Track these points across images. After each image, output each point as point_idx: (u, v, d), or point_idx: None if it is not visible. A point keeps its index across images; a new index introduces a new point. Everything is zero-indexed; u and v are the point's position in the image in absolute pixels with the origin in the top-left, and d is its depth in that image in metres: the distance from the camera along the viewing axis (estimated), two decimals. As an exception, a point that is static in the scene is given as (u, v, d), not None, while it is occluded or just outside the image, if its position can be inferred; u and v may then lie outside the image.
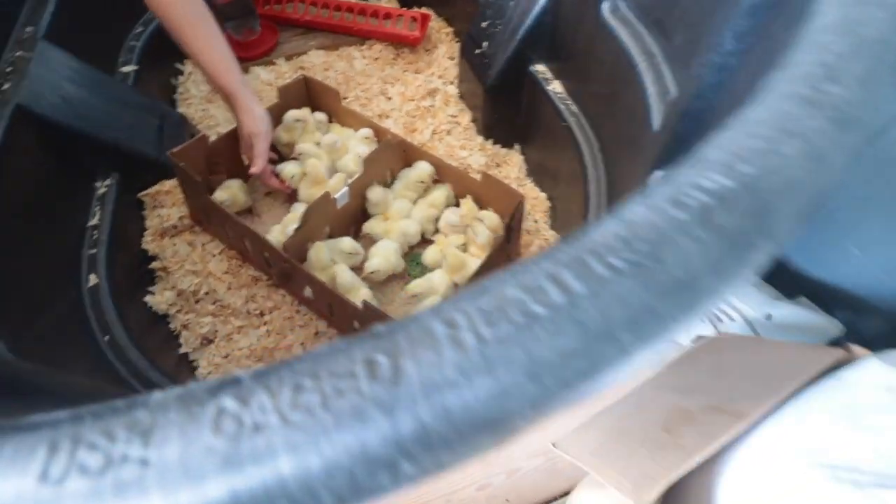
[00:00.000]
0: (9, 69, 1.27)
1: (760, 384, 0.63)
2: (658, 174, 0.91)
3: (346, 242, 1.36)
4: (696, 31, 0.88)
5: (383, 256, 1.35)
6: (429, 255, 1.43)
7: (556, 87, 1.54)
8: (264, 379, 0.23)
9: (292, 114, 1.57)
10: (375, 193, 1.44)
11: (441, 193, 1.50)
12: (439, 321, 0.24)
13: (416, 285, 1.26)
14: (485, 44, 1.71)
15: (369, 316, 1.13)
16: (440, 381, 0.22)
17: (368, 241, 1.44)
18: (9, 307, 0.97)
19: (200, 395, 0.23)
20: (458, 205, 1.52)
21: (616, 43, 1.22)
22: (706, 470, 0.61)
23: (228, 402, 0.22)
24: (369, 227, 1.43)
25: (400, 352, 0.23)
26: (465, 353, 0.22)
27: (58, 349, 1.00)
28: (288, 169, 1.52)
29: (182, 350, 1.35)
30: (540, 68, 1.60)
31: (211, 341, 1.39)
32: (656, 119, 1.01)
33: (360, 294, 1.26)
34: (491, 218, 1.39)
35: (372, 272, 1.33)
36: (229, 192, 1.48)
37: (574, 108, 1.47)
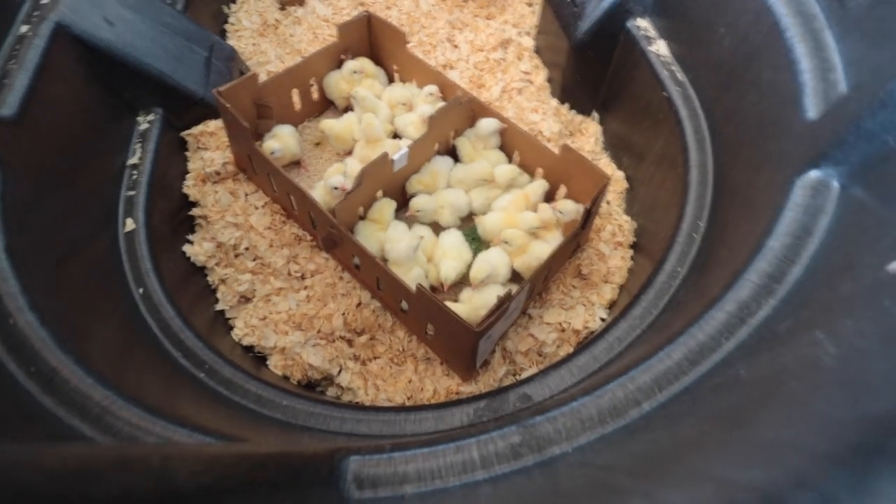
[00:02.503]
0: (48, -19, 1.14)
1: None
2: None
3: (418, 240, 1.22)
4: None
5: (457, 258, 1.20)
6: (489, 221, 1.28)
7: (659, 48, 1.30)
8: None
9: (350, 65, 1.40)
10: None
11: (508, 172, 1.31)
12: None
13: (480, 270, 1.11)
14: (577, -11, 1.46)
15: (422, 302, 1.00)
16: None
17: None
18: (38, 248, 0.89)
19: None
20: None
21: (757, -2, 0.98)
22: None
23: None
24: (417, 203, 1.27)
25: None
26: None
27: (89, 301, 0.92)
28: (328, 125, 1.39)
29: (218, 307, 1.27)
30: (642, 24, 1.35)
31: (249, 300, 1.30)
32: (812, 104, 0.79)
33: (411, 273, 1.13)
34: (571, 210, 1.22)
35: (446, 281, 1.19)
36: (281, 142, 1.35)
37: (680, 75, 1.24)
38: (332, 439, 0.85)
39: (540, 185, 1.31)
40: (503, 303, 0.96)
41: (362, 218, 1.26)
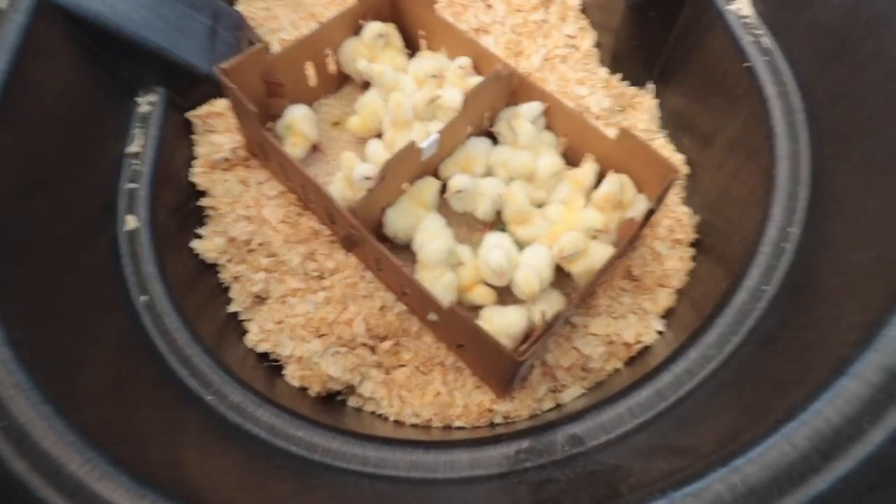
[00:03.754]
0: (26, -57, 0.99)
1: None
2: None
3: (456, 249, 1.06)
4: None
5: (505, 250, 1.05)
6: (551, 212, 1.11)
7: (741, 7, 1.08)
8: None
9: (374, 28, 1.22)
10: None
11: (551, 166, 1.12)
12: None
13: (530, 281, 0.95)
14: (638, -65, 1.23)
15: (454, 319, 0.87)
16: None
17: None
18: (20, 261, 0.78)
19: None
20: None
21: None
22: None
23: None
24: (458, 182, 1.10)
25: None
26: None
27: (80, 319, 0.82)
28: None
29: (230, 309, 1.17)
30: (719, -23, 1.13)
31: (263, 301, 1.20)
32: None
33: (442, 279, 0.99)
34: (637, 205, 1.04)
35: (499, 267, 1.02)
36: (294, 136, 1.21)
37: (768, 42, 1.02)
38: (353, 484, 0.75)
39: (591, 169, 1.13)
40: (550, 327, 0.82)
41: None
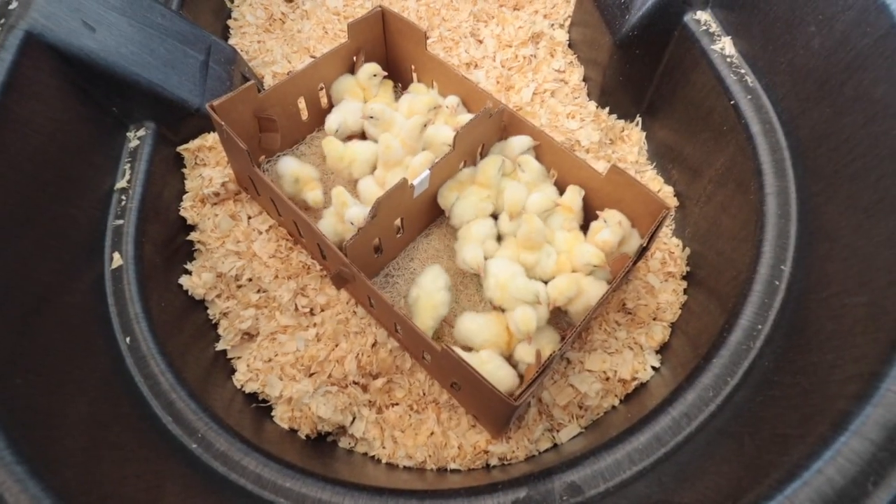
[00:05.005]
0: (16, -18, 1.00)
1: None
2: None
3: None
4: None
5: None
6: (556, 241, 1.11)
7: (725, 47, 1.10)
8: None
9: (369, 69, 1.24)
10: (446, 198, 1.11)
11: (542, 203, 1.12)
12: None
13: (528, 320, 0.94)
14: (624, -24, 1.26)
15: (447, 361, 0.85)
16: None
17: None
18: (3, 306, 0.76)
19: None
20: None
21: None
22: None
23: None
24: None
25: None
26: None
27: (65, 363, 0.79)
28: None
29: (218, 347, 1.14)
30: (703, 18, 1.15)
31: (252, 337, 1.17)
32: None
33: (437, 308, 0.98)
34: (630, 240, 1.04)
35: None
36: (307, 185, 1.22)
37: (751, 80, 1.04)
38: (343, 539, 0.72)
39: (577, 192, 1.13)
40: (546, 366, 0.81)
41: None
